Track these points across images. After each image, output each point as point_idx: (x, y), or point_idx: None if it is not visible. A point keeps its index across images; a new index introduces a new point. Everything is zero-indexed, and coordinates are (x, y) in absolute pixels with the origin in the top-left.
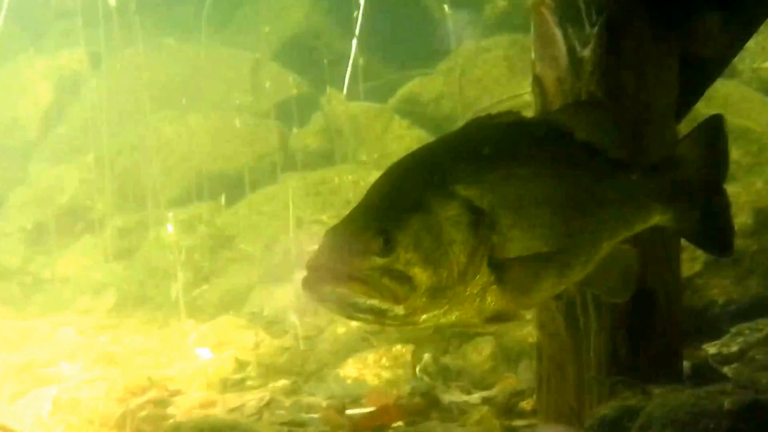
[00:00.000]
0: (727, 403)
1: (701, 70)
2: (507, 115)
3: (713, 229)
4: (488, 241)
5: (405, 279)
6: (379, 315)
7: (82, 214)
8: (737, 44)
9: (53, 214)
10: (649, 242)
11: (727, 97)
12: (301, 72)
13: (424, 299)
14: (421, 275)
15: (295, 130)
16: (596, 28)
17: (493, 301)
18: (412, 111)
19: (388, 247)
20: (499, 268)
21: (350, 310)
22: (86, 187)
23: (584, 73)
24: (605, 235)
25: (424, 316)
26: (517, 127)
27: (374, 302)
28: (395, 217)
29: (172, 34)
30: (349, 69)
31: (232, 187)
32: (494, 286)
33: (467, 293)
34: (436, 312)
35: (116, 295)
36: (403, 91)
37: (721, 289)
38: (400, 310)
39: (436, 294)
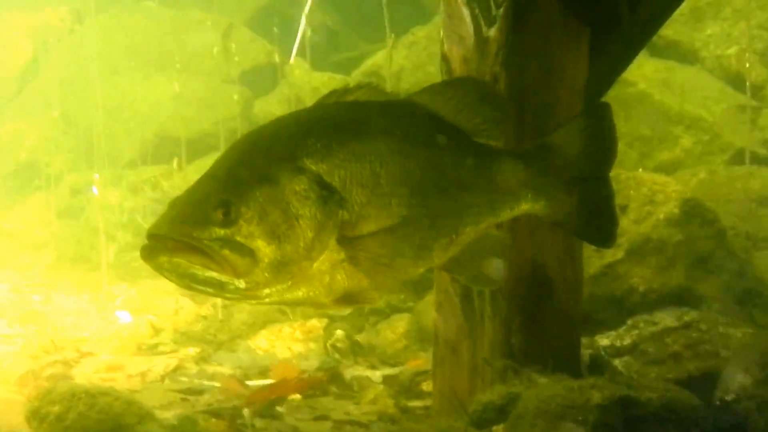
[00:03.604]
0: (595, 398)
1: (613, 56)
2: (366, 92)
3: (592, 220)
4: (337, 218)
5: (247, 252)
6: (218, 287)
7: (39, 170)
8: (649, 30)
9: (11, 169)
10: (549, 230)
11: (685, 82)
12: (273, 40)
13: (266, 274)
14: (264, 249)
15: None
16: (503, 8)
17: (343, 279)
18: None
19: (230, 218)
20: (349, 245)
21: (188, 281)
22: (47, 144)
23: (489, 53)
24: (469, 220)
25: (266, 291)
26: (376, 105)
27: (213, 274)
28: (239, 188)
29: None
30: (298, 37)
31: (190, 151)
32: (345, 264)
33: (315, 270)
34: (279, 287)
35: (55, 253)
36: (366, 64)
37: (641, 278)
38: (240, 283)
39: (280, 269)
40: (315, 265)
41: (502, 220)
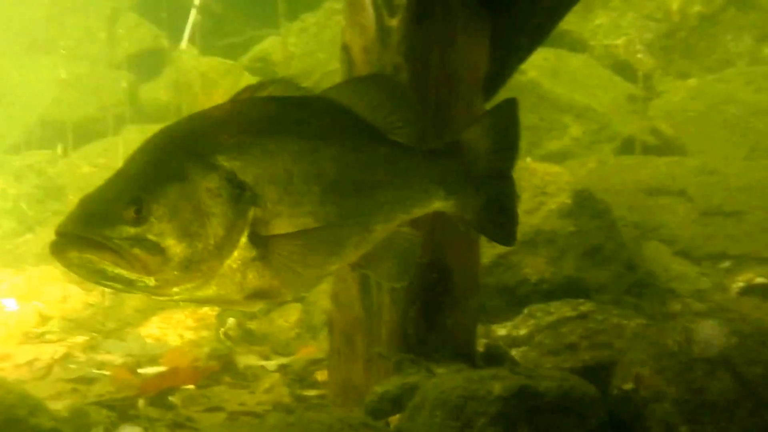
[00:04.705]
0: (496, 389)
1: (514, 47)
2: (280, 88)
3: (496, 218)
4: (249, 216)
5: (157, 250)
6: (127, 284)
7: None
8: (551, 20)
9: None
10: (448, 221)
11: (575, 71)
12: (160, 24)
13: (176, 272)
14: (174, 247)
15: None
16: None
17: (254, 277)
18: (263, 69)
19: (141, 216)
20: (260, 244)
21: (98, 277)
22: None
23: (391, 43)
24: (380, 217)
25: (176, 289)
26: (291, 101)
27: (122, 271)
28: (151, 185)
29: None
30: (190, 22)
31: (75, 136)
32: (257, 263)
33: (226, 268)
34: (189, 285)
35: None
36: (255, 50)
37: (534, 268)
38: (150, 281)
39: (190, 267)
40: (226, 263)
41: (413, 218)
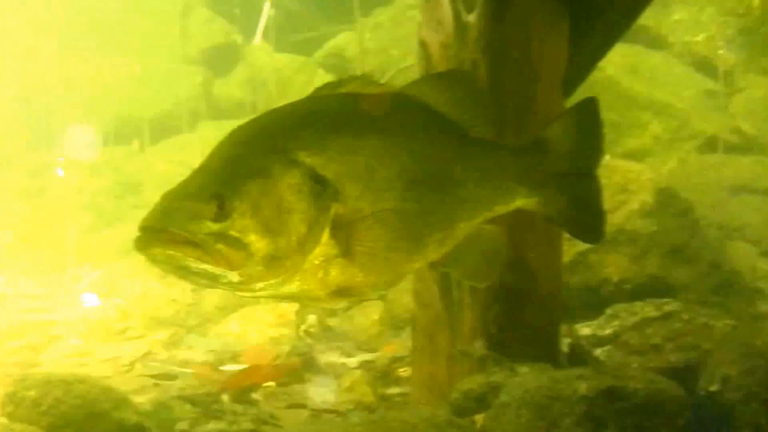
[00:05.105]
0: (582, 389)
1: (592, 43)
2: (359, 85)
3: (582, 215)
4: (330, 212)
5: (240, 245)
6: (212, 279)
7: None
8: (629, 17)
9: None
10: (529, 219)
11: (654, 68)
12: (233, 20)
13: (259, 267)
14: (257, 243)
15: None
16: None
17: (337, 274)
18: (337, 65)
19: (223, 212)
20: (342, 240)
21: (182, 273)
22: (2, 124)
23: (469, 39)
24: (463, 215)
25: (260, 285)
26: (370, 98)
27: (207, 267)
28: (233, 182)
29: None
30: (263, 18)
31: (151, 132)
32: (339, 259)
33: (308, 264)
34: (272, 281)
35: (15, 234)
36: (329, 45)
37: (615, 267)
38: (234, 276)
39: (273, 263)
40: (308, 259)
41: (495, 215)
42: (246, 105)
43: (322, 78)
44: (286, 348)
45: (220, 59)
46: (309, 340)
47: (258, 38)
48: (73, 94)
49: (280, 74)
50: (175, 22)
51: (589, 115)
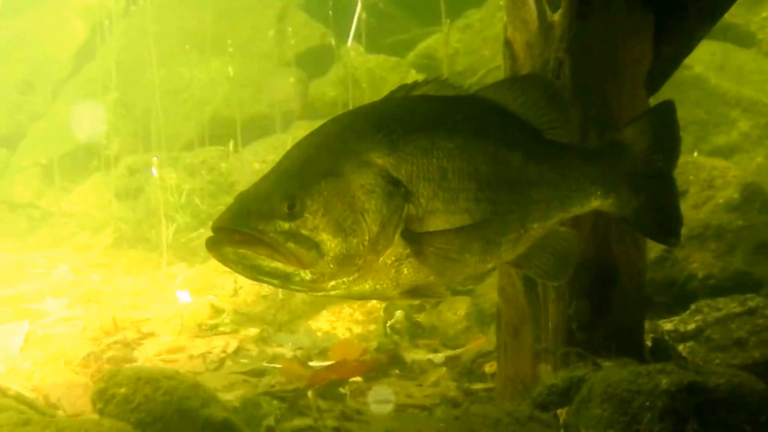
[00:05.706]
0: (663, 383)
1: (677, 41)
2: (434, 87)
3: (658, 217)
4: (402, 212)
5: (312, 244)
6: (284, 278)
7: (97, 152)
8: (714, 15)
9: (68, 150)
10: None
11: (741, 66)
12: (327, 23)
13: (331, 266)
14: (329, 242)
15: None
16: None
17: (409, 273)
18: (429, 66)
19: (295, 211)
20: (414, 240)
21: (254, 272)
22: (104, 126)
23: (554, 38)
24: (537, 215)
25: (332, 283)
26: (444, 100)
27: (278, 265)
28: (305, 182)
29: None
30: (355, 20)
31: (245, 133)
32: (411, 259)
33: (381, 264)
34: (344, 279)
35: (114, 234)
36: (421, 46)
37: (701, 263)
38: (306, 275)
39: (345, 262)
40: (381, 258)
41: (571, 216)
42: (339, 105)
43: (415, 78)
44: (373, 344)
45: (315, 61)
46: (396, 336)
47: (350, 40)
48: (170, 96)
49: (373, 74)
50: (271, 26)
51: (665, 117)
